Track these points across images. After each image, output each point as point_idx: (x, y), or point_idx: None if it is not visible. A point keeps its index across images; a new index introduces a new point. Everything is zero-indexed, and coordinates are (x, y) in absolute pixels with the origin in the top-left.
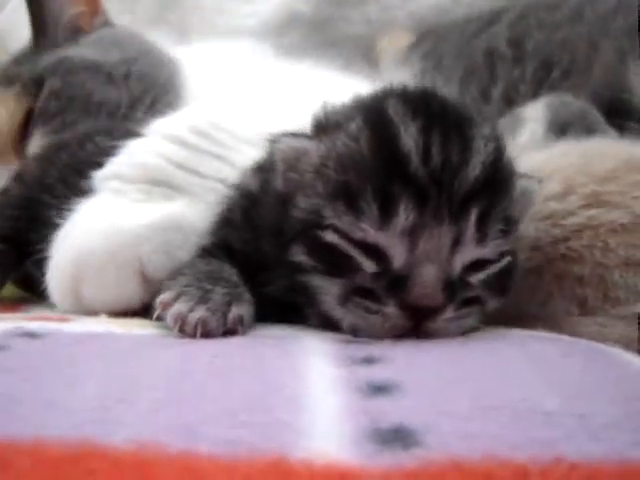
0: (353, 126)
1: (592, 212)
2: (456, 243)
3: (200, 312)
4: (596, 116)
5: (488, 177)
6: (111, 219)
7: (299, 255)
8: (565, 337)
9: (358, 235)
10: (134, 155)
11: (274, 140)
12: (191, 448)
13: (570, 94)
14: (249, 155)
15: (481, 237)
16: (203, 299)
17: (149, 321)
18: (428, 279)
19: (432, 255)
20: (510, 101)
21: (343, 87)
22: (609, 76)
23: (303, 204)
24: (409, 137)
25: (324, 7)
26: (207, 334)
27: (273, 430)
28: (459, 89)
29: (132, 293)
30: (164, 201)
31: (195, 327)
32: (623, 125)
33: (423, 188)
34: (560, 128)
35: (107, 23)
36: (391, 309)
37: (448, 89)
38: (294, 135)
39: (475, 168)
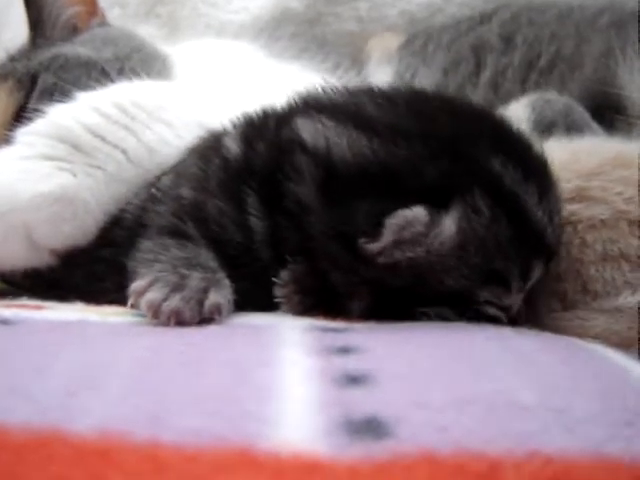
0: (479, 202)
1: (574, 207)
2: None
3: (174, 301)
4: (581, 113)
5: None
6: (9, 179)
7: (449, 315)
8: (547, 333)
9: (506, 303)
10: (52, 115)
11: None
12: (156, 437)
13: (556, 86)
14: (162, 135)
15: None
16: (178, 286)
17: (126, 309)
18: (522, 312)
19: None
20: (497, 87)
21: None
22: (598, 71)
23: (449, 282)
24: (537, 211)
25: (315, 3)
26: (181, 323)
27: (241, 420)
28: (441, 78)
29: (17, 256)
30: (64, 167)
31: (169, 317)
32: (612, 120)
33: (552, 251)
34: (545, 127)
35: (104, 24)
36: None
37: (431, 79)
38: (405, 207)
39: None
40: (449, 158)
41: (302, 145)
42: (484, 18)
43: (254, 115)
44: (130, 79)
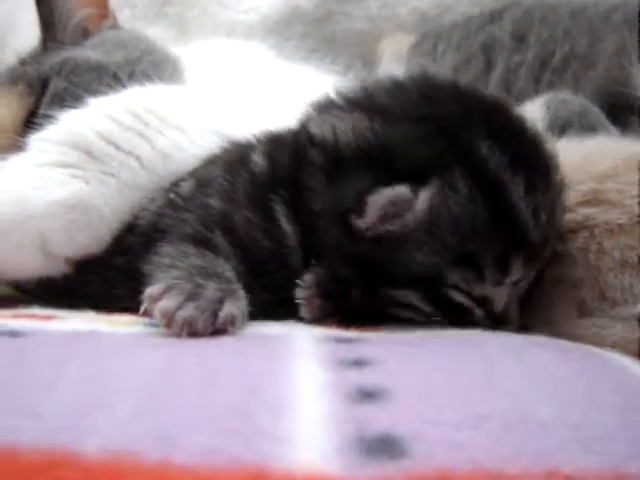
0: (459, 181)
1: (590, 210)
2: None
3: (188, 311)
4: (596, 114)
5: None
6: (23, 187)
7: (413, 300)
8: (563, 342)
9: (479, 293)
10: (65, 122)
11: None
12: (168, 458)
13: (570, 85)
14: (176, 141)
15: None
16: (193, 295)
17: (138, 318)
18: (515, 314)
19: (519, 293)
20: (509, 86)
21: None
22: (612, 70)
23: (421, 259)
24: (521, 202)
25: (325, 2)
26: (194, 333)
27: (254, 439)
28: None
29: (32, 265)
30: (78, 174)
31: (182, 326)
32: (627, 120)
33: (535, 250)
34: (560, 127)
35: (115, 26)
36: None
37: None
38: (389, 185)
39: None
40: (437, 139)
41: (311, 139)
42: (495, 16)
43: (276, 131)
44: (142, 84)
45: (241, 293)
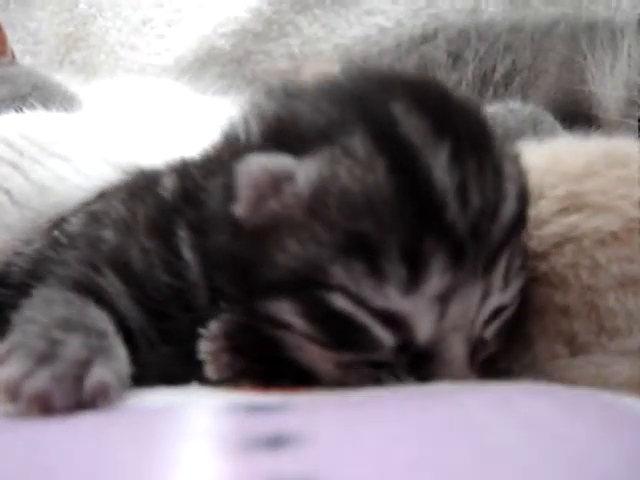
0: (357, 145)
1: (572, 218)
2: (483, 298)
3: (40, 379)
4: (550, 120)
5: (520, 212)
6: None
7: (287, 315)
8: (559, 388)
9: (378, 303)
10: None
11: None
12: None
13: (518, 96)
14: (57, 171)
15: (505, 282)
16: (47, 357)
17: None
18: (458, 355)
19: (460, 320)
20: None
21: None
22: (563, 76)
23: (295, 249)
24: (441, 171)
25: (243, 41)
26: (49, 410)
27: None
28: None
29: None
30: None
31: (31, 402)
32: (582, 130)
33: (460, 242)
34: (512, 138)
35: (13, 64)
36: (408, 381)
37: None
38: (266, 152)
39: (510, 205)
40: (339, 105)
41: (224, 139)
42: (427, 37)
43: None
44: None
45: (120, 351)
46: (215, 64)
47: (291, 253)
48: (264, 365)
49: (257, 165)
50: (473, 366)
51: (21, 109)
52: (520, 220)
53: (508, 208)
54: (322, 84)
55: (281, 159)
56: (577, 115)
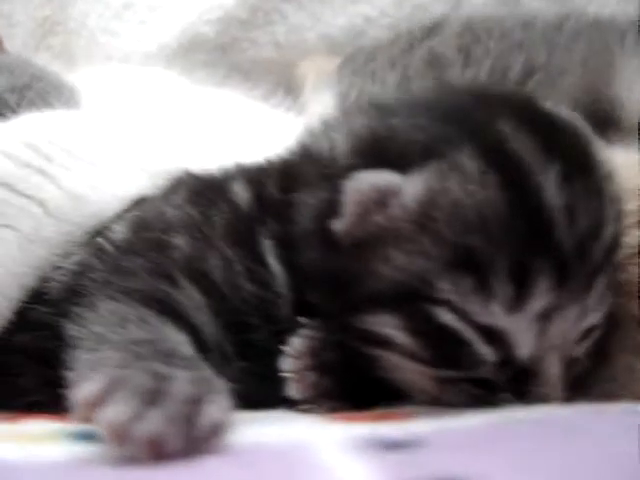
0: (467, 161)
1: None
2: (580, 318)
3: (153, 422)
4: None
5: (617, 233)
6: None
7: (388, 328)
8: None
9: (483, 319)
10: None
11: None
12: None
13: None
14: (88, 178)
15: (600, 302)
16: (156, 395)
17: (60, 425)
18: (555, 375)
19: (558, 339)
20: None
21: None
22: (587, 76)
23: (401, 262)
24: (551, 189)
25: (228, 28)
26: (161, 455)
27: None
28: (395, 93)
29: None
30: None
31: (144, 447)
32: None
33: (566, 261)
34: None
35: (4, 52)
36: (505, 398)
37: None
38: (369, 169)
39: (611, 227)
40: (444, 121)
41: (308, 156)
42: (429, 32)
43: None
44: (38, 110)
45: (219, 383)
46: (199, 51)
47: (396, 265)
48: (348, 385)
49: (367, 182)
50: (566, 385)
51: (22, 102)
52: (617, 241)
53: (609, 229)
54: (415, 100)
55: (388, 175)
56: (599, 117)
